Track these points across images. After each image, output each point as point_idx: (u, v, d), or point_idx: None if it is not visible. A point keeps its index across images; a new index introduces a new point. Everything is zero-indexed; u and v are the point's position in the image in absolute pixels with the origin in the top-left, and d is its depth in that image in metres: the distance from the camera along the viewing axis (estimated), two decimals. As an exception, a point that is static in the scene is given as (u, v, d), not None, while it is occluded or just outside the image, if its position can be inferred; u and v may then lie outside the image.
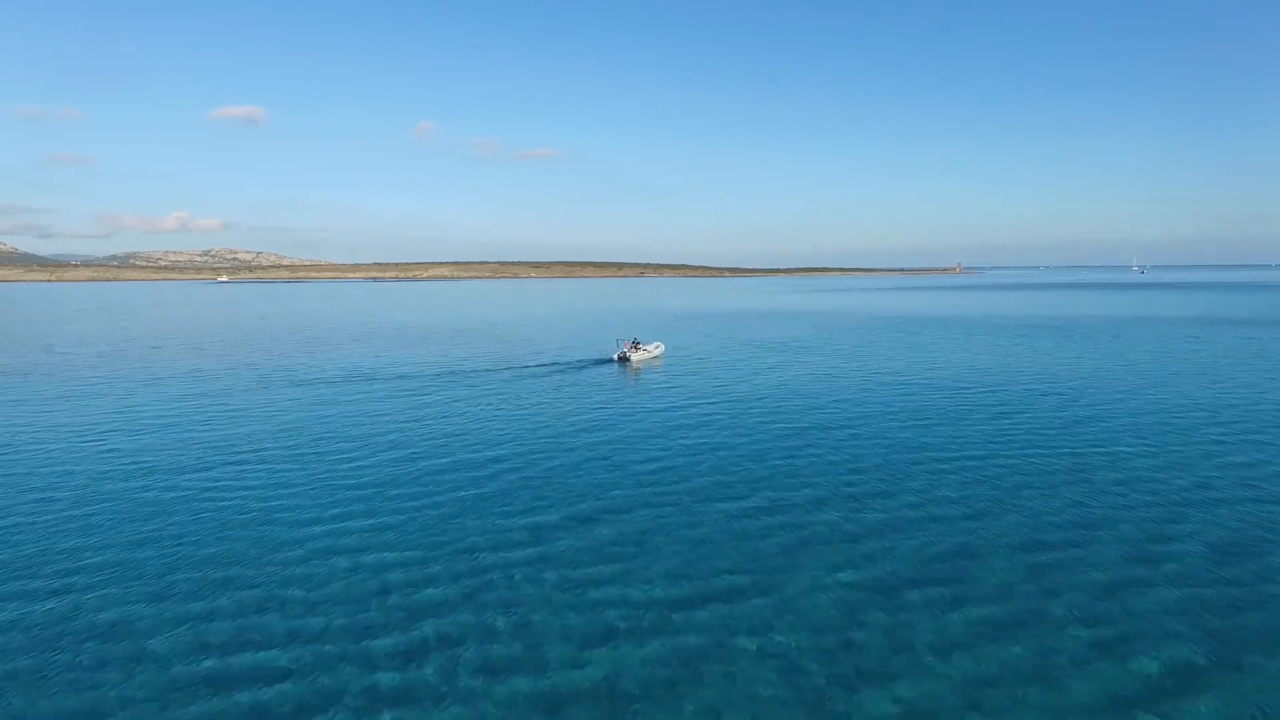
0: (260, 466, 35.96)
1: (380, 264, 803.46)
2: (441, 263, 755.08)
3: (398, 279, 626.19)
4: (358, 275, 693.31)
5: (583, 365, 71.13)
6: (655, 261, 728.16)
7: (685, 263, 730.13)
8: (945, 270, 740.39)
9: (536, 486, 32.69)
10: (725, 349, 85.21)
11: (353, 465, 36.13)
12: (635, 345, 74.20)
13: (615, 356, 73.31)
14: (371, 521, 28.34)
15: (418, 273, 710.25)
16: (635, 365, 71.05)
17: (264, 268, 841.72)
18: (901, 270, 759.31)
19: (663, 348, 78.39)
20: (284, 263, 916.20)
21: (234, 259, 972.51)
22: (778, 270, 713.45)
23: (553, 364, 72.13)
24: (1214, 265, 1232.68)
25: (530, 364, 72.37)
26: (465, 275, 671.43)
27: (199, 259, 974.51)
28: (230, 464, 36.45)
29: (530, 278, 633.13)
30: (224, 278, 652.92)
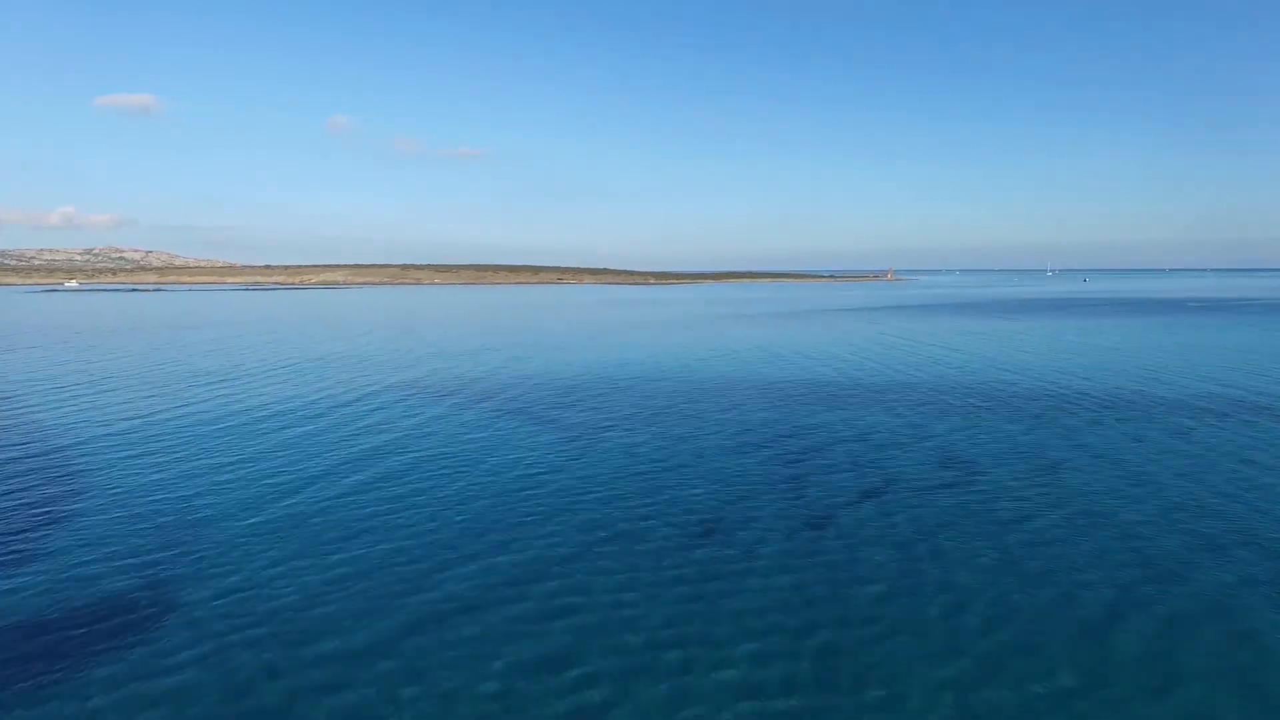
0: None
1: (268, 266, 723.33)
2: (336, 265, 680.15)
3: (282, 284, 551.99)
4: (237, 280, 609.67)
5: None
6: (576, 266, 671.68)
7: (608, 267, 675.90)
8: (878, 276, 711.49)
9: None
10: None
11: None
12: None
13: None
14: None
15: (308, 277, 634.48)
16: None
17: (155, 268, 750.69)
18: (833, 276, 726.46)
19: None
20: (177, 262, 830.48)
21: (120, 258, 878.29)
22: (707, 276, 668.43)
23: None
24: (1114, 270, 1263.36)
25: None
26: (361, 280, 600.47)
27: (79, 258, 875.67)
28: None
29: (434, 283, 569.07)
30: (73, 283, 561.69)
